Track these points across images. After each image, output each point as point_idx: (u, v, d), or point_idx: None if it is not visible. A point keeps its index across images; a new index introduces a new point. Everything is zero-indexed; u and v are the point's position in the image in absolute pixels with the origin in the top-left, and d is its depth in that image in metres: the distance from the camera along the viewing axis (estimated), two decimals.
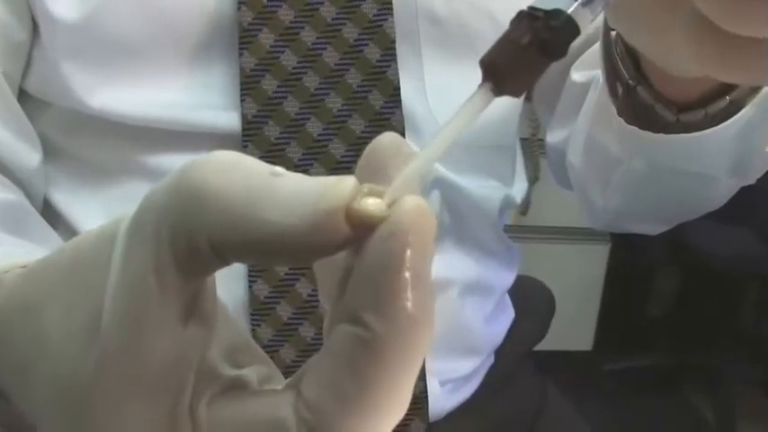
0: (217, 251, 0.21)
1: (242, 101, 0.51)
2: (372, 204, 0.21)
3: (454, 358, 0.61)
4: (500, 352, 0.67)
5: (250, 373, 0.24)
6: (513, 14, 0.24)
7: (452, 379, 0.61)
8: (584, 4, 0.24)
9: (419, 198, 0.21)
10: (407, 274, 0.20)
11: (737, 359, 2.02)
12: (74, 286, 0.23)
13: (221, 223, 0.21)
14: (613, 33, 0.44)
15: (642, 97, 0.44)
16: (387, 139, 0.23)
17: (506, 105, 0.61)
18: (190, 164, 0.22)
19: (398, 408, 0.21)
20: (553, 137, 0.66)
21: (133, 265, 0.22)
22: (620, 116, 0.47)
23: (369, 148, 0.24)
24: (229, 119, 0.52)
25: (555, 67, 0.70)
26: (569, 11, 0.24)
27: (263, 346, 0.50)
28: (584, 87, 0.58)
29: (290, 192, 0.21)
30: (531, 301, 0.76)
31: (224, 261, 0.21)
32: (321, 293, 0.26)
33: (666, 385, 2.00)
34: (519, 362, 0.71)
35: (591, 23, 0.24)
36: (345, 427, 0.21)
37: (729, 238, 1.72)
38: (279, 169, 0.22)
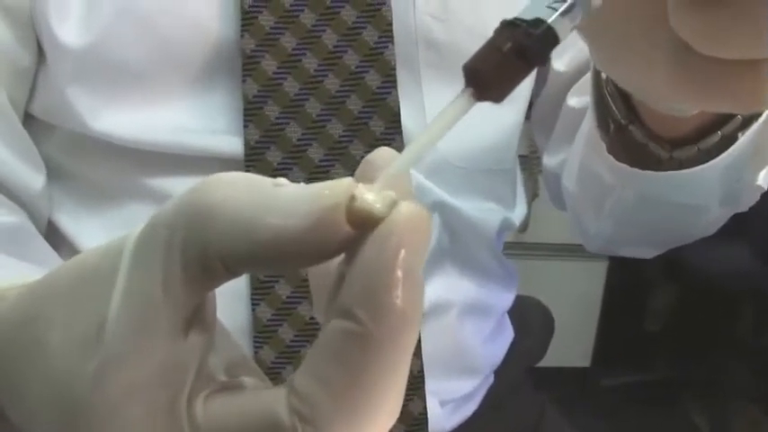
0: (226, 263, 0.22)
1: (245, 126, 0.52)
2: (371, 201, 0.22)
3: (454, 378, 0.61)
4: (500, 371, 0.67)
5: (247, 380, 0.25)
6: None
7: (453, 399, 0.61)
8: (563, 14, 0.25)
9: (417, 203, 0.22)
10: (399, 273, 0.21)
11: (735, 374, 2.02)
12: (77, 299, 0.24)
13: (229, 233, 0.22)
14: (604, 74, 0.45)
15: (635, 136, 0.44)
16: (382, 152, 0.25)
17: (506, 129, 0.62)
18: (198, 184, 0.23)
19: (390, 403, 0.22)
20: (549, 160, 0.66)
21: (141, 276, 0.22)
22: (610, 152, 0.47)
23: (365, 160, 0.25)
24: (232, 144, 0.52)
25: (552, 91, 0.70)
26: (549, 20, 0.24)
27: (266, 369, 0.51)
28: (581, 113, 0.58)
29: (290, 196, 0.22)
30: (530, 321, 0.76)
31: (233, 273, 0.22)
32: (315, 305, 0.26)
33: (665, 400, 1.99)
34: (518, 380, 0.72)
35: (570, 32, 0.25)
36: (337, 417, 0.22)
37: (725, 254, 1.72)
38: (281, 180, 0.23)
